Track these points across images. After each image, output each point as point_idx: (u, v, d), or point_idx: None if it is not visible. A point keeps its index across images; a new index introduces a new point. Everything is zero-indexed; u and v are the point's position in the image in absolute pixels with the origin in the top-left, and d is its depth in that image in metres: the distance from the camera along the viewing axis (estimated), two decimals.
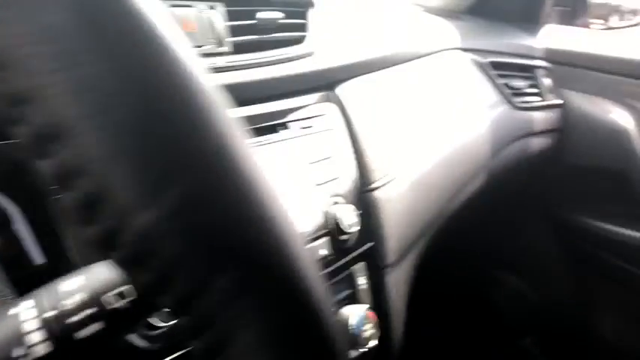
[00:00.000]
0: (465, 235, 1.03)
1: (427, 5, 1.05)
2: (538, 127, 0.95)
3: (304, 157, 0.53)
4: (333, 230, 0.52)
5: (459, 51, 0.89)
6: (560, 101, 0.99)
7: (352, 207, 0.53)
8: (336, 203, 0.53)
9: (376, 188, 0.59)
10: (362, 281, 0.56)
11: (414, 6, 1.04)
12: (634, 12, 1.16)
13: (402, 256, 0.62)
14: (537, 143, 0.96)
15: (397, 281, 0.61)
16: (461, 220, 0.80)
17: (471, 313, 1.21)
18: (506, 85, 0.93)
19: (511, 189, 1.01)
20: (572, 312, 1.11)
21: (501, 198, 1.00)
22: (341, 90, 0.61)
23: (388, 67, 0.70)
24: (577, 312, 1.11)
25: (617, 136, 0.95)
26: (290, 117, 0.54)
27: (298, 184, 0.51)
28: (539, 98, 0.97)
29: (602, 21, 1.16)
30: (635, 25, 1.11)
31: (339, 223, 0.51)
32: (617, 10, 1.18)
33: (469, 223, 0.97)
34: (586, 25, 1.14)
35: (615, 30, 1.14)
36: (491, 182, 0.84)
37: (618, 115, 0.96)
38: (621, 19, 1.18)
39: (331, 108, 0.59)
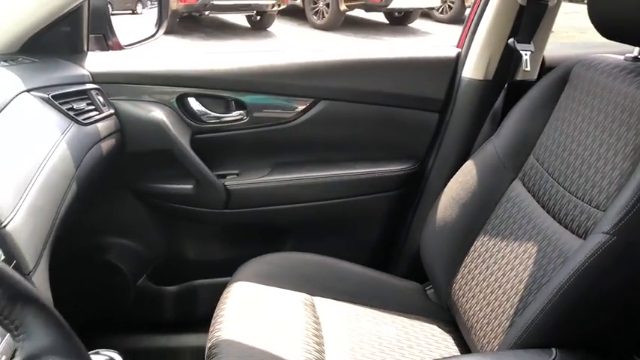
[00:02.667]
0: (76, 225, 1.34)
1: None
2: (103, 134, 1.31)
3: None
4: None
5: (25, 93, 1.16)
6: (112, 111, 1.37)
7: None
8: None
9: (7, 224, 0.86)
10: None
11: None
12: None
13: (37, 263, 0.92)
14: (107, 145, 1.33)
15: (40, 283, 0.91)
16: (74, 217, 1.13)
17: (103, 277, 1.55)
18: (71, 108, 1.25)
19: (98, 179, 1.35)
20: (167, 247, 1.58)
21: (95, 188, 1.34)
22: None
23: None
24: (173, 248, 1.59)
25: (158, 126, 1.40)
26: None
27: None
28: (97, 112, 1.32)
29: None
30: (147, 40, 1.56)
31: None
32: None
33: (78, 219, 1.28)
34: (118, 44, 1.53)
35: (134, 46, 1.56)
36: (82, 184, 1.17)
37: (157, 112, 1.41)
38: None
39: None
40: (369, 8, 8.22)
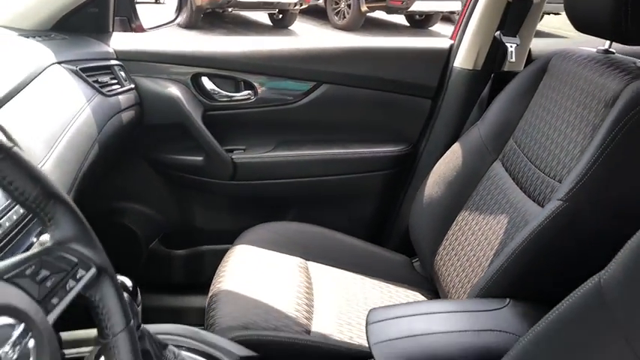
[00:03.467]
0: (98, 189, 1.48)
1: (25, 28, 1.40)
2: (124, 105, 1.46)
3: None
4: None
5: (56, 65, 1.31)
6: (132, 85, 1.51)
7: None
8: None
9: None
10: None
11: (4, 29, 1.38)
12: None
13: None
14: (126, 115, 1.47)
15: None
16: (94, 178, 1.27)
17: (118, 239, 1.70)
18: (96, 81, 1.40)
19: (117, 146, 1.49)
20: (178, 214, 1.72)
21: (114, 154, 1.49)
22: None
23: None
24: (183, 215, 1.73)
25: (174, 101, 1.54)
26: None
27: None
28: (119, 86, 1.47)
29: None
30: (167, 25, 1.70)
31: None
32: None
33: (97, 183, 1.42)
34: (140, 27, 1.68)
35: (155, 29, 1.71)
36: (103, 148, 1.31)
37: (173, 89, 1.55)
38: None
39: None
40: (390, 10, 8.31)
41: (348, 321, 1.23)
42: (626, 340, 0.62)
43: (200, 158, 1.61)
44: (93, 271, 0.62)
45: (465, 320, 0.96)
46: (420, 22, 9.13)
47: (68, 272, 0.59)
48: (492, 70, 1.53)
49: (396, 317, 0.97)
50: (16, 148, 0.59)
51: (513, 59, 1.47)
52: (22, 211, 0.88)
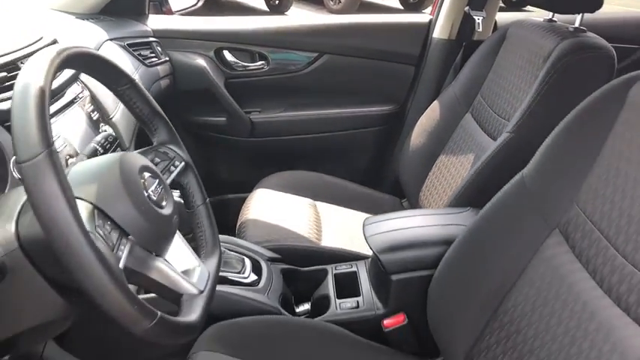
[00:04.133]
0: None
1: (68, 10, 1.71)
2: (161, 74, 1.77)
3: None
4: None
5: (109, 41, 1.62)
6: (167, 58, 1.83)
7: None
8: None
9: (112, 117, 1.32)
10: None
11: (54, 11, 1.68)
12: None
13: (130, 145, 1.38)
14: (163, 83, 1.79)
15: None
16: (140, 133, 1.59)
17: None
18: (140, 54, 1.71)
19: None
20: (205, 168, 2.04)
21: None
22: None
23: None
24: (209, 168, 2.04)
25: (200, 71, 1.85)
26: None
27: None
28: (157, 58, 1.78)
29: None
30: (190, 8, 2.02)
31: None
32: None
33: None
34: (169, 10, 1.99)
35: (184, 11, 2.02)
36: None
37: (200, 60, 1.87)
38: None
39: None
40: None
41: (349, 237, 1.55)
42: (542, 215, 0.94)
43: (223, 119, 1.93)
44: (182, 164, 0.95)
45: (435, 219, 1.28)
46: (414, 5, 9.38)
47: (169, 162, 0.92)
48: (464, 39, 1.85)
49: (385, 220, 1.29)
50: (135, 80, 0.91)
51: (480, 29, 1.79)
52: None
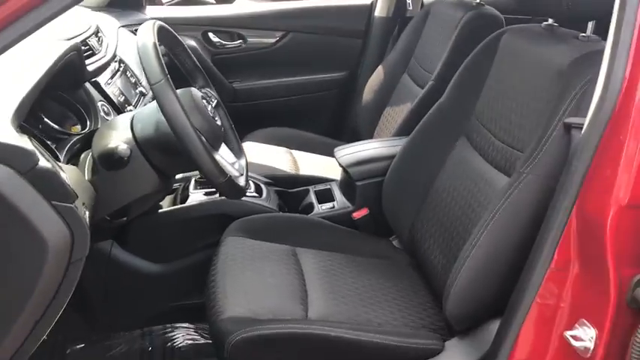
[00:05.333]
0: None
1: (89, 5, 2.12)
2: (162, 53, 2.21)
3: None
4: None
5: (122, 28, 2.04)
6: None
7: None
8: None
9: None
10: None
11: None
12: None
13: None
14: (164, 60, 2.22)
15: None
16: None
17: None
18: None
19: None
20: None
21: None
22: None
23: None
24: None
25: (191, 49, 2.29)
26: None
27: None
28: None
29: None
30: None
31: None
32: None
33: None
34: (160, 1, 2.42)
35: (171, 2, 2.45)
36: None
37: (190, 41, 2.30)
38: None
39: None
40: None
41: (319, 169, 2.04)
42: (453, 127, 1.46)
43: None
44: (215, 101, 1.41)
45: (385, 144, 1.79)
46: None
47: (207, 98, 1.38)
48: (399, 16, 2.37)
49: (351, 146, 1.79)
50: (185, 46, 1.37)
51: (411, 8, 2.31)
52: None
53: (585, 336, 0.94)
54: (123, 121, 1.24)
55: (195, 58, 1.40)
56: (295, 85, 2.47)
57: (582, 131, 0.94)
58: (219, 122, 1.27)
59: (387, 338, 1.19)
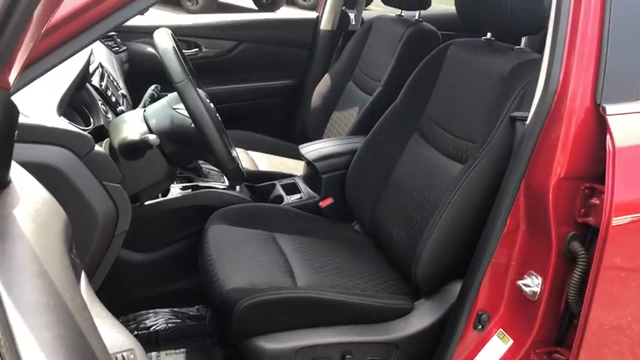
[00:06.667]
0: None
1: None
2: (124, 60, 2.32)
3: None
4: None
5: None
6: (125, 47, 2.38)
7: None
8: None
9: None
10: None
11: None
12: None
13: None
14: (126, 66, 2.33)
15: None
16: None
17: None
18: (107, 44, 2.24)
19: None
20: None
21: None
22: None
23: None
24: None
25: (151, 56, 2.42)
26: None
27: None
28: (118, 48, 2.32)
29: None
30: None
31: None
32: None
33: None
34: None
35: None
36: None
37: (149, 48, 2.43)
38: None
39: None
40: None
41: (276, 167, 2.24)
42: (407, 124, 1.72)
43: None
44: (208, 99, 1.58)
45: (345, 141, 2.03)
46: (268, 6, 10.16)
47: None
48: (342, 30, 2.63)
49: (315, 143, 2.00)
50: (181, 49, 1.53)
51: (354, 23, 2.58)
52: None
53: (533, 283, 1.23)
54: (135, 116, 1.38)
55: (189, 61, 1.56)
56: (248, 91, 2.66)
57: (526, 123, 1.21)
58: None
59: (370, 300, 1.41)
